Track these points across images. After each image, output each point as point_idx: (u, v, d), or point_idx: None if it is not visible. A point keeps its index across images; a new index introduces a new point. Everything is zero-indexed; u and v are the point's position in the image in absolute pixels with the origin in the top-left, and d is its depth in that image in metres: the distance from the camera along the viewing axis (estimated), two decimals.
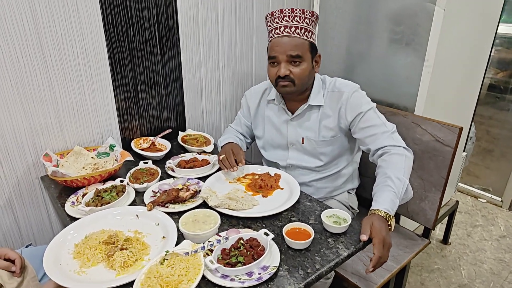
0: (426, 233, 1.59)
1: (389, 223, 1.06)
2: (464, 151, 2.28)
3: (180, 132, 1.76)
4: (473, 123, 2.50)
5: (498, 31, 2.25)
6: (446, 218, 2.22)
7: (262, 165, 1.62)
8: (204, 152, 1.61)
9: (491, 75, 4.15)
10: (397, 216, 1.75)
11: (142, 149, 1.57)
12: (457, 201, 2.21)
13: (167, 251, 0.92)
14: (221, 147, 1.51)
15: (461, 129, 1.38)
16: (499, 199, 2.69)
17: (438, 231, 2.37)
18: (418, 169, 1.52)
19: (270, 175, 1.39)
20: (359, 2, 1.75)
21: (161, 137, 1.68)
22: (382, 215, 1.06)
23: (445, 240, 2.27)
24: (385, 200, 1.09)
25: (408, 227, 1.69)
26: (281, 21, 1.28)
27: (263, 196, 1.27)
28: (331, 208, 1.18)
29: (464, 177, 3.05)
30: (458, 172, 2.30)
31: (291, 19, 1.27)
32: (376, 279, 1.35)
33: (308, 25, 1.29)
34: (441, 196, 1.46)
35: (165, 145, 1.64)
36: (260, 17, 1.91)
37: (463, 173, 3.08)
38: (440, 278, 2.00)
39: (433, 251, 2.21)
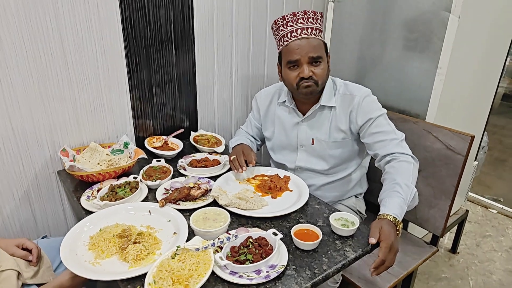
0: (434, 241, 1.59)
1: (397, 228, 1.07)
2: (475, 160, 2.26)
3: (192, 132, 1.79)
4: (485, 132, 2.47)
5: None
6: (455, 227, 2.20)
7: (271, 167, 1.64)
8: (215, 152, 1.64)
9: (506, 84, 4.10)
10: (405, 222, 1.75)
11: (155, 148, 1.61)
12: (467, 210, 2.19)
13: (178, 246, 0.95)
14: (232, 148, 1.53)
15: (472, 137, 1.38)
16: (511, 210, 2.65)
17: (447, 240, 2.35)
18: (428, 176, 1.52)
19: (280, 177, 1.41)
20: (373, 9, 1.77)
21: (173, 137, 1.72)
22: (391, 219, 1.07)
23: (454, 249, 2.25)
24: (394, 205, 1.10)
25: (417, 234, 1.69)
26: (296, 24, 1.28)
27: (272, 197, 1.29)
28: (340, 211, 1.19)
29: (475, 186, 3.02)
30: (468, 181, 2.28)
31: (305, 21, 1.28)
32: (382, 284, 1.36)
33: (320, 25, 1.33)
34: (451, 204, 1.46)
35: (178, 145, 1.67)
36: None
37: (474, 183, 3.04)
38: (447, 287, 1.99)
39: (441, 260, 2.19)
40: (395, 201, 1.11)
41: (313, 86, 1.32)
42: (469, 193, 2.84)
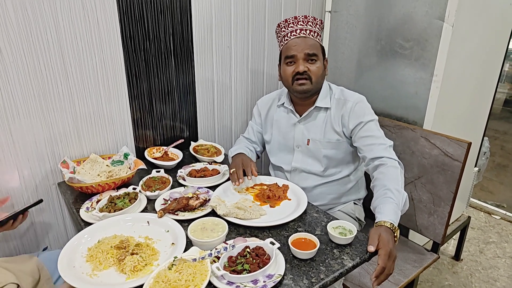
0: (435, 248, 1.58)
1: (395, 234, 1.07)
2: (476, 166, 2.26)
3: (192, 142, 1.81)
4: (487, 138, 2.46)
5: None
6: (458, 234, 2.19)
7: (269, 173, 1.66)
8: (215, 162, 1.64)
9: (507, 90, 4.10)
10: (406, 230, 1.74)
11: (155, 158, 1.62)
12: (469, 217, 2.18)
13: (175, 257, 0.95)
14: (232, 157, 1.55)
15: (469, 144, 1.38)
16: None
17: (451, 247, 2.33)
18: (427, 183, 1.52)
19: (279, 186, 1.42)
20: (369, 18, 1.79)
21: (173, 147, 1.73)
22: (389, 226, 1.07)
23: (457, 256, 2.23)
24: (389, 211, 1.11)
25: (418, 241, 1.68)
26: (296, 25, 1.39)
27: (270, 206, 1.29)
28: (338, 219, 1.19)
29: (477, 192, 3.00)
30: (469, 187, 2.27)
31: (305, 23, 1.39)
32: None
33: (319, 30, 1.42)
34: (450, 211, 1.45)
35: (177, 155, 1.68)
36: (272, 33, 1.96)
37: (476, 189, 3.03)
38: None
39: (444, 267, 2.17)
40: (390, 207, 1.12)
41: (307, 84, 1.38)
42: (472, 199, 2.83)
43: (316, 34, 1.40)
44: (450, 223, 2.08)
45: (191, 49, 1.71)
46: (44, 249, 1.39)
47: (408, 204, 1.22)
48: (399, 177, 1.22)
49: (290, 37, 1.39)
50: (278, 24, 1.44)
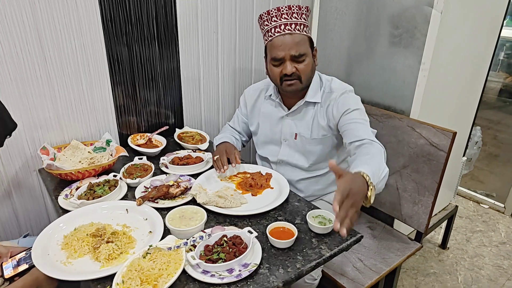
0: (419, 237, 1.58)
1: (368, 191, 0.90)
2: (464, 155, 2.25)
3: (177, 129, 1.78)
4: (479, 127, 2.45)
5: (507, 36, 2.17)
6: (445, 223, 2.20)
7: (256, 161, 1.64)
8: (199, 149, 1.62)
9: (502, 79, 4.08)
10: (391, 219, 1.74)
11: (139, 145, 1.60)
12: (456, 206, 2.19)
13: (150, 245, 0.94)
14: (216, 146, 1.53)
15: (454, 133, 1.36)
16: (502, 205, 2.65)
17: (438, 236, 2.35)
18: (412, 172, 1.51)
19: (262, 174, 1.41)
20: (359, 4, 1.74)
21: (158, 134, 1.70)
22: (362, 174, 0.92)
23: (444, 244, 2.24)
24: (365, 165, 0.98)
25: (403, 231, 1.68)
26: (280, 19, 1.29)
27: (252, 195, 1.28)
28: (319, 209, 1.18)
29: (467, 182, 3.01)
30: (457, 176, 2.27)
31: (289, 16, 1.28)
32: (364, 281, 1.35)
33: (305, 20, 1.32)
34: (434, 201, 1.45)
35: (161, 142, 1.66)
36: None
37: (467, 178, 3.04)
38: (435, 283, 1.99)
39: (430, 255, 2.19)
40: (368, 167, 0.98)
41: (296, 83, 1.33)
42: (462, 188, 2.84)
43: (302, 26, 1.30)
44: (437, 212, 2.09)
45: (176, 33, 1.67)
46: (25, 236, 1.38)
47: (385, 180, 1.07)
48: (383, 155, 1.13)
49: (274, 34, 1.29)
50: (260, 16, 1.34)
